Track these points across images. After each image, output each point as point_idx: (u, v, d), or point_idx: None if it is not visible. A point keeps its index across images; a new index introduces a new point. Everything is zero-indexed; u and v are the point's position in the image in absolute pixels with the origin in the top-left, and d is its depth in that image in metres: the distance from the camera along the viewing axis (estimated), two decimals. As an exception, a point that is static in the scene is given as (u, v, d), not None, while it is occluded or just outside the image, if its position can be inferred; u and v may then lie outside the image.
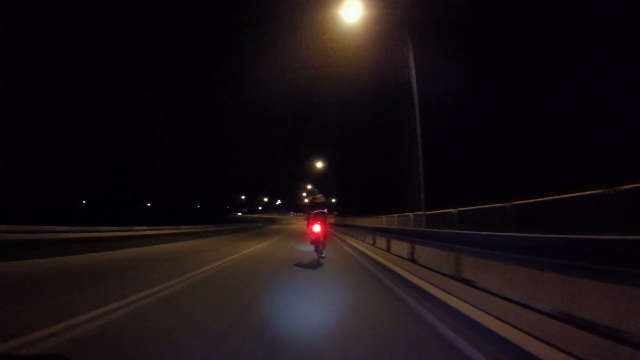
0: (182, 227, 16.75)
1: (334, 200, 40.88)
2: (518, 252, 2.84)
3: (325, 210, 7.00)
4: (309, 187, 51.41)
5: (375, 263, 6.65)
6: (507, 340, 2.15)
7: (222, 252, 8.39)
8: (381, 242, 9.19)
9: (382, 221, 10.43)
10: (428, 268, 5.44)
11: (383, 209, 12.15)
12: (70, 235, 8.54)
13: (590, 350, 1.94)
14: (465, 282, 4.11)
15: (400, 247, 7.37)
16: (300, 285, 4.58)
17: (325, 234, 6.75)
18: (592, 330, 2.24)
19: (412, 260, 6.37)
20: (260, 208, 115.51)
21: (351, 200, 31.46)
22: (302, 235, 14.46)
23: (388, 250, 8.35)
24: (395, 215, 9.25)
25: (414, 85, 9.03)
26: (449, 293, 3.50)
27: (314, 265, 6.26)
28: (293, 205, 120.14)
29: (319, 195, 7.10)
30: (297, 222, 52.22)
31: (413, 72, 9.08)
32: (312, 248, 6.74)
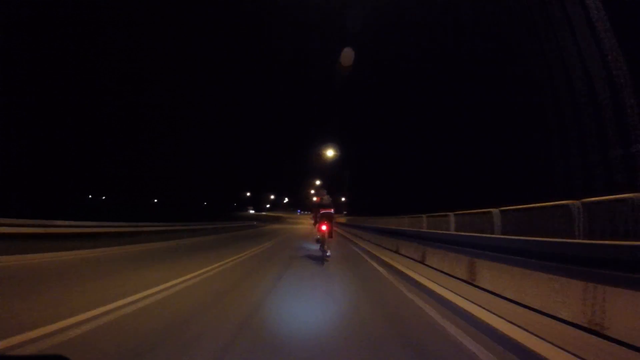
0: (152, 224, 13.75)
1: (343, 199, 40.39)
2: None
3: (332, 210, 7.40)
4: (318, 182, 50.12)
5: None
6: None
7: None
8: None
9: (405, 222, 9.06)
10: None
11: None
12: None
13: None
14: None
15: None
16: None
17: (330, 233, 7.23)
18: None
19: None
20: (268, 206, 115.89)
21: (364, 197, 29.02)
22: (307, 240, 12.58)
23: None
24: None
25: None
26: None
27: (320, 263, 6.82)
28: (301, 204, 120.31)
29: (325, 197, 7.46)
30: (304, 222, 48.00)
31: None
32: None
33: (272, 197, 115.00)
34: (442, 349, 2.41)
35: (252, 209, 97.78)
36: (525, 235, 3.60)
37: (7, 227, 6.96)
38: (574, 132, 5.86)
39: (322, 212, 7.25)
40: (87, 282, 4.05)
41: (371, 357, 2.24)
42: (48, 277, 4.38)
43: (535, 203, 3.66)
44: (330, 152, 18.93)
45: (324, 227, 7.09)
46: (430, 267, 5.93)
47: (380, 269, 6.35)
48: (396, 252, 8.59)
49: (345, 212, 37.12)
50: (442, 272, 5.30)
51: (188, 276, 4.67)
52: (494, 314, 2.98)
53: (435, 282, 4.43)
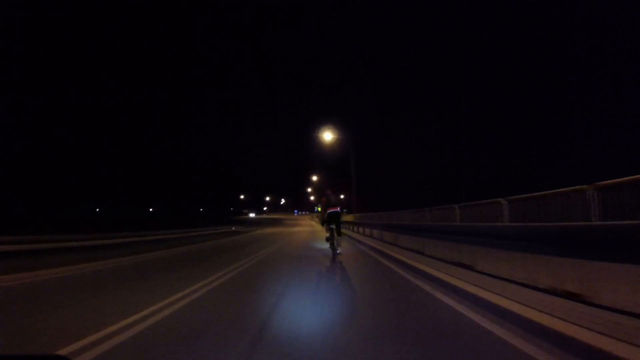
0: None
1: (342, 196, 38.69)
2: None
3: (339, 209, 7.43)
4: (315, 178, 48.80)
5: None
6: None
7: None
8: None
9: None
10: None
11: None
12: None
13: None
14: None
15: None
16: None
17: (339, 232, 7.29)
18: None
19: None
20: (265, 209, 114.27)
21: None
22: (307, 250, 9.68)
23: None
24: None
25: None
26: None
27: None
28: (298, 204, 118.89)
29: (332, 196, 7.55)
30: (303, 224, 41.47)
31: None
32: None
33: (268, 198, 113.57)
34: None
35: (254, 212, 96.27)
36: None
37: None
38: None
39: (329, 211, 7.34)
40: None
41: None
42: None
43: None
44: (328, 136, 17.03)
45: (332, 226, 7.23)
46: (490, 275, 4.23)
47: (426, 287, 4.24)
48: (421, 253, 7.03)
49: (345, 210, 35.18)
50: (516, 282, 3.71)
51: None
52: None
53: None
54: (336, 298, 3.83)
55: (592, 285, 2.81)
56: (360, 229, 15.88)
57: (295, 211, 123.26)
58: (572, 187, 3.37)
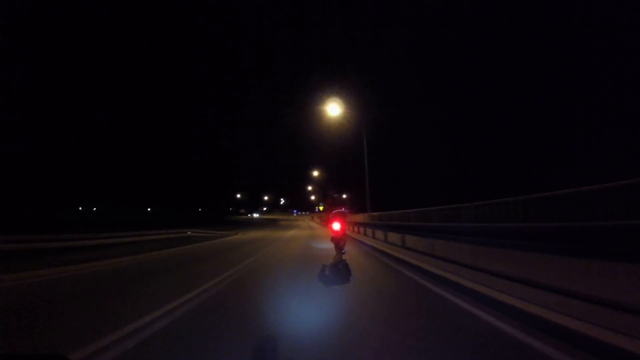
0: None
1: (344, 195, 35.02)
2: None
3: (344, 209, 7.22)
4: (316, 173, 46.96)
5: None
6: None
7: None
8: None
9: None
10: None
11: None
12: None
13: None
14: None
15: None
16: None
17: (345, 232, 7.06)
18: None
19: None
20: (265, 209, 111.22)
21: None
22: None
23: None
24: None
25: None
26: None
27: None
28: (296, 204, 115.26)
29: (336, 196, 7.49)
30: (301, 226, 34.69)
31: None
32: None
33: (266, 198, 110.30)
34: None
35: (244, 212, 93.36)
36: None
37: None
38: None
39: (335, 210, 7.13)
40: None
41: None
42: None
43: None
44: (335, 110, 13.43)
45: (337, 226, 6.93)
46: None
47: None
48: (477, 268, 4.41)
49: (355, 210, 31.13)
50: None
51: None
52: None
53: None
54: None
55: None
56: (377, 233, 12.28)
57: (295, 211, 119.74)
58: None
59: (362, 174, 14.62)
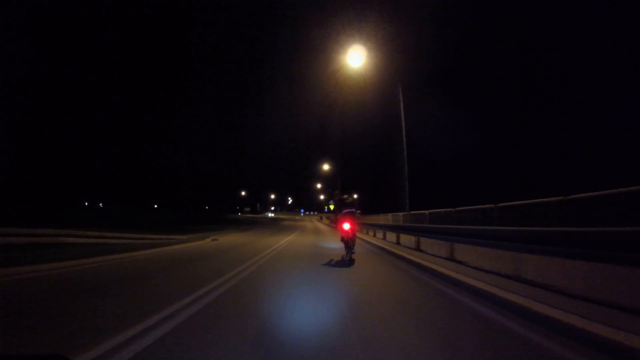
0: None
1: (356, 195, 33.70)
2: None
3: (353, 209, 7.56)
4: (326, 167, 47.77)
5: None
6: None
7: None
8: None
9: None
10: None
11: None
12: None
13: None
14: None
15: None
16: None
17: (354, 232, 7.53)
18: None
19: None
20: (272, 208, 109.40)
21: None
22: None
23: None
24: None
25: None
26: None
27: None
28: (303, 203, 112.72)
29: (345, 196, 7.83)
30: (306, 229, 29.04)
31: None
32: None
33: (273, 196, 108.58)
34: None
35: (249, 210, 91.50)
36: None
37: None
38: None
39: (345, 211, 7.52)
40: None
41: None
42: None
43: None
44: (357, 59, 10.93)
45: (347, 226, 7.41)
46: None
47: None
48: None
49: (359, 211, 28.41)
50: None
51: None
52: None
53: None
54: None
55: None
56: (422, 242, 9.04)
57: (302, 210, 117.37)
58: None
59: (380, 170, 12.21)
